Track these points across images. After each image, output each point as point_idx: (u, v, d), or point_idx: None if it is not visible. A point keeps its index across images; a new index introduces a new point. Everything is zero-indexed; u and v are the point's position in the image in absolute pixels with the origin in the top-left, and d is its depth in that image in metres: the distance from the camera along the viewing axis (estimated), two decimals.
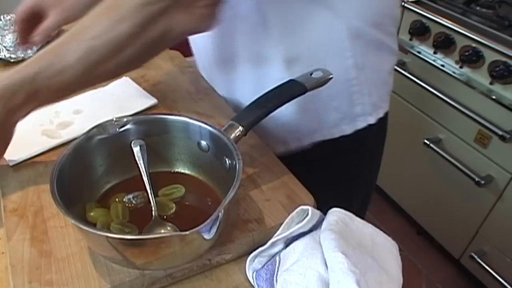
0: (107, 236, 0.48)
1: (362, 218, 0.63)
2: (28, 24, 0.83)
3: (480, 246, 1.63)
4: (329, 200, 0.65)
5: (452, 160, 1.58)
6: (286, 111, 0.78)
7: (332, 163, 0.94)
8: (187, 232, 0.47)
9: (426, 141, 1.65)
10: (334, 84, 0.72)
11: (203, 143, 0.65)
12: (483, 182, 1.48)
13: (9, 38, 1.04)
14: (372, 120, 0.91)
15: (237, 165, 0.57)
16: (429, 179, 1.76)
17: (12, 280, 0.54)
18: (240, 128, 0.63)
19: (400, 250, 0.65)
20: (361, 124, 0.90)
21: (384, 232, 0.64)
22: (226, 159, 0.61)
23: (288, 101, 0.67)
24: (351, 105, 0.85)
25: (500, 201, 1.50)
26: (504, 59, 1.32)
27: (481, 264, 1.60)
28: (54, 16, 0.81)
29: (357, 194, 1.01)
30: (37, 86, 0.58)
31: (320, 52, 0.77)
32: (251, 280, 0.59)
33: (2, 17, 1.14)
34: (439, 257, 1.85)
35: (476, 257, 1.62)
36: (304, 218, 0.60)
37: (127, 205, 0.62)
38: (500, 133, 1.37)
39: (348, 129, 0.89)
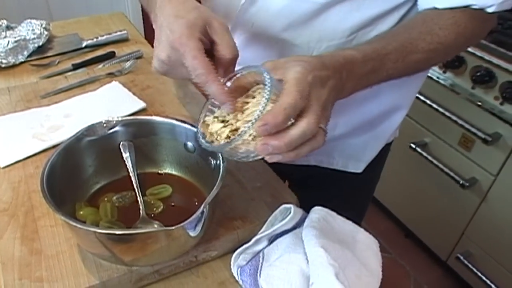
0: (95, 232, 0.50)
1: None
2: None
3: (466, 247, 1.65)
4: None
5: (438, 163, 1.61)
6: None
7: (330, 186, 0.95)
8: (172, 228, 0.50)
9: (412, 145, 1.69)
10: None
11: (189, 144, 0.67)
12: (467, 184, 1.51)
13: (0, 44, 1.05)
14: (397, 132, 0.95)
15: (222, 165, 0.59)
16: (415, 182, 1.79)
17: (2, 277, 0.56)
18: None
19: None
20: (391, 138, 0.93)
21: (373, 235, 0.66)
22: (211, 160, 0.63)
23: None
24: None
25: (484, 203, 1.53)
26: (485, 64, 1.36)
27: (467, 265, 1.63)
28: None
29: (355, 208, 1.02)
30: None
31: None
32: (236, 276, 0.61)
33: None
34: (427, 259, 1.88)
35: (462, 258, 1.64)
36: (287, 216, 0.62)
37: (115, 204, 0.64)
38: (483, 136, 1.40)
39: (364, 161, 0.91)
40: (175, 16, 0.53)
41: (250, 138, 0.48)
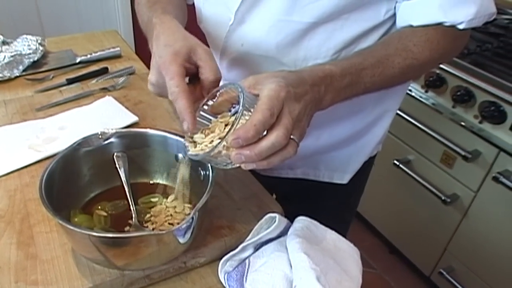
0: (90, 235, 0.53)
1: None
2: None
3: (448, 262, 1.69)
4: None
5: (420, 180, 1.66)
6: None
7: (315, 199, 0.99)
8: (163, 232, 0.53)
9: (396, 162, 1.74)
10: None
11: (180, 156, 0.70)
12: (449, 200, 1.56)
13: None
14: (380, 147, 0.99)
15: (211, 175, 0.63)
16: (399, 199, 1.83)
17: None
18: None
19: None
20: (374, 151, 0.97)
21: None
22: (201, 170, 0.67)
23: None
24: None
25: (465, 219, 1.57)
26: (464, 84, 1.42)
27: (449, 280, 1.66)
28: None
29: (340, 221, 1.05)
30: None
31: None
32: (223, 282, 0.64)
33: None
34: (411, 274, 1.91)
35: (445, 273, 1.68)
36: (272, 225, 0.65)
37: (109, 212, 0.67)
38: (463, 153, 1.45)
39: (349, 173, 0.95)
40: (164, 45, 0.60)
41: (224, 150, 0.54)
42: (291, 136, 0.53)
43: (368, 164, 0.98)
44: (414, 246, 1.86)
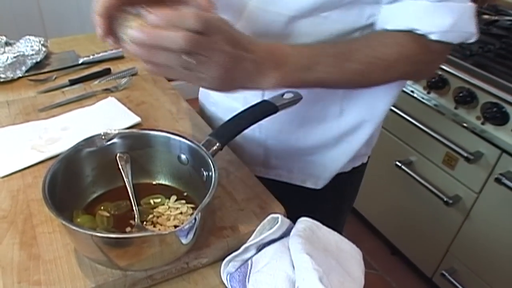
0: (93, 235, 0.53)
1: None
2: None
3: (450, 264, 1.69)
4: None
5: (422, 181, 1.66)
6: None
7: (314, 198, 0.97)
8: (166, 232, 0.53)
9: (397, 163, 1.73)
10: None
11: (183, 156, 0.70)
12: (451, 201, 1.56)
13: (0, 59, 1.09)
14: (366, 159, 0.98)
15: (213, 176, 0.63)
16: (401, 200, 1.84)
17: (2, 280, 0.58)
18: (217, 143, 0.69)
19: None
20: (357, 162, 0.97)
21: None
22: (204, 171, 0.67)
23: (261, 119, 0.74)
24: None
25: (467, 220, 1.57)
26: (467, 86, 1.42)
27: (451, 282, 1.66)
28: None
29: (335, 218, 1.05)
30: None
31: None
32: (225, 282, 0.64)
33: None
34: (413, 276, 1.91)
35: (447, 274, 1.68)
36: (275, 225, 0.65)
37: (111, 212, 0.67)
38: (465, 154, 1.45)
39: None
40: None
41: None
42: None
43: (358, 172, 0.99)
44: (416, 247, 1.85)
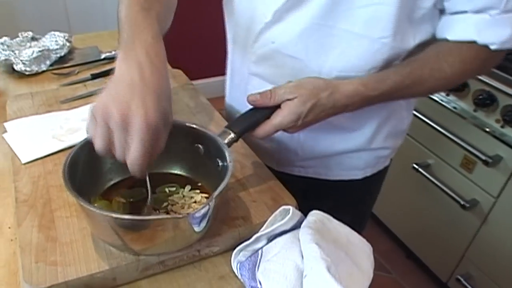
0: (108, 216, 0.55)
1: None
2: None
3: (466, 269, 1.67)
4: None
5: (439, 184, 1.64)
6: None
7: (327, 198, 0.98)
8: (180, 216, 0.54)
9: (415, 165, 1.72)
10: None
11: (200, 146, 0.72)
12: (468, 205, 1.54)
13: (25, 53, 1.12)
14: (388, 162, 0.99)
15: (229, 166, 0.64)
16: (417, 203, 1.82)
17: (20, 259, 0.60)
18: (233, 134, 0.70)
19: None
20: (380, 167, 0.98)
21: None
22: (219, 161, 0.68)
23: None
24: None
25: (484, 225, 1.55)
26: (487, 88, 1.41)
27: (467, 287, 1.64)
28: None
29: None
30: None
31: None
32: (235, 271, 0.65)
33: (20, 34, 1.24)
34: (428, 280, 1.89)
35: (462, 280, 1.66)
36: (286, 217, 0.66)
37: (127, 199, 0.69)
38: (484, 158, 1.43)
39: (361, 174, 0.97)
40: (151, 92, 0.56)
41: None
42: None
43: (383, 170, 1.00)
44: (432, 251, 1.84)
